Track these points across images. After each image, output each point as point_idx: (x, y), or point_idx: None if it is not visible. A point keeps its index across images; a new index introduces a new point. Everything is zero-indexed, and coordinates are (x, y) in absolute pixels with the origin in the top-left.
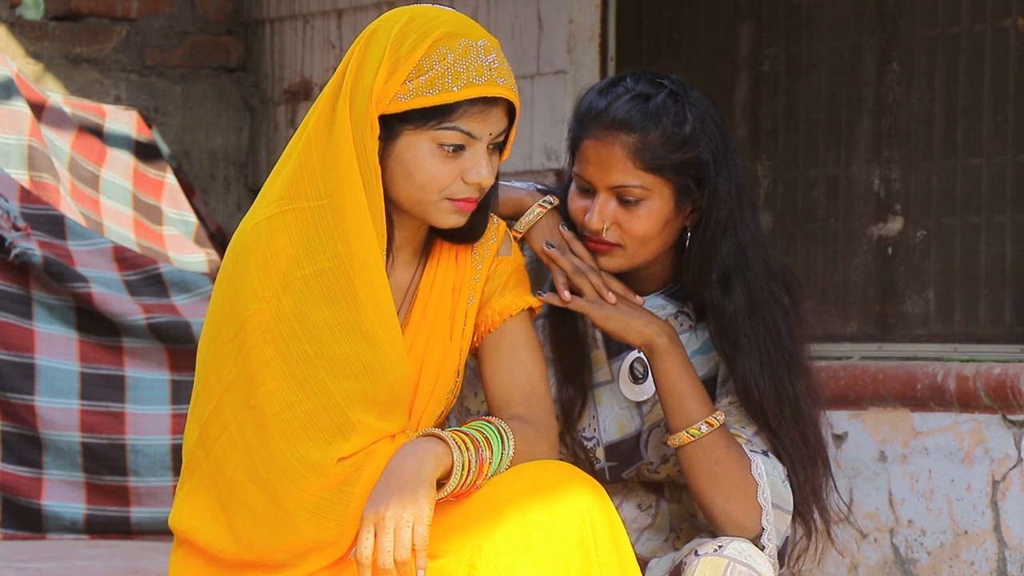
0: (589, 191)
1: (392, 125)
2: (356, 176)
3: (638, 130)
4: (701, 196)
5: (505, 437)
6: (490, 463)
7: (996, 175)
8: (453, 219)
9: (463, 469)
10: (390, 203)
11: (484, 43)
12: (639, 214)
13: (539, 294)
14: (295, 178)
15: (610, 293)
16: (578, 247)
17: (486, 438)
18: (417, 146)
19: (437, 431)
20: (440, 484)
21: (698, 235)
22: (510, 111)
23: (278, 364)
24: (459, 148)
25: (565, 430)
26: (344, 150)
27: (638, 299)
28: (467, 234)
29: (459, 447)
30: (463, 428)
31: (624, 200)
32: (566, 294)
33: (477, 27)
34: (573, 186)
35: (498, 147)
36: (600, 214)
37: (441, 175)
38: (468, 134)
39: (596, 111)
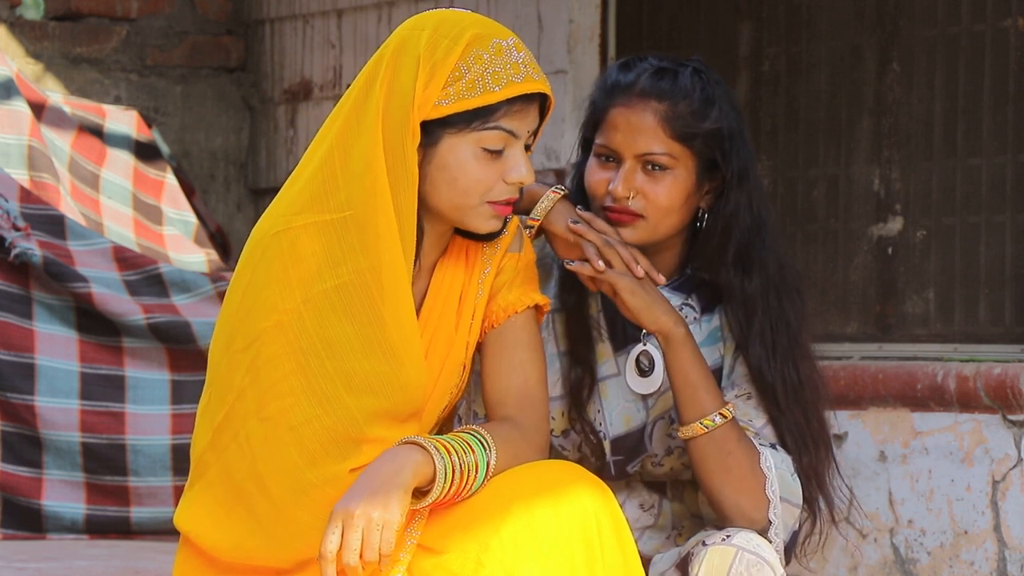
0: (612, 162)
1: (431, 131)
2: (386, 189)
3: (668, 99)
4: (726, 168)
5: (487, 446)
6: (476, 472)
7: (996, 175)
8: (492, 224)
9: (446, 476)
10: (422, 211)
11: (512, 41)
12: (664, 183)
13: (568, 264)
14: (317, 189)
15: (638, 267)
16: (601, 224)
17: (469, 446)
18: (460, 149)
19: (418, 439)
20: (425, 492)
21: (716, 211)
22: (540, 107)
23: (297, 379)
24: (500, 150)
25: (575, 414)
26: (374, 163)
27: (661, 278)
28: (489, 234)
29: (440, 454)
30: (444, 436)
31: (650, 169)
32: (600, 263)
33: (499, 25)
34: (592, 159)
35: (526, 144)
36: (626, 181)
37: (484, 177)
38: (511, 133)
39: (625, 82)
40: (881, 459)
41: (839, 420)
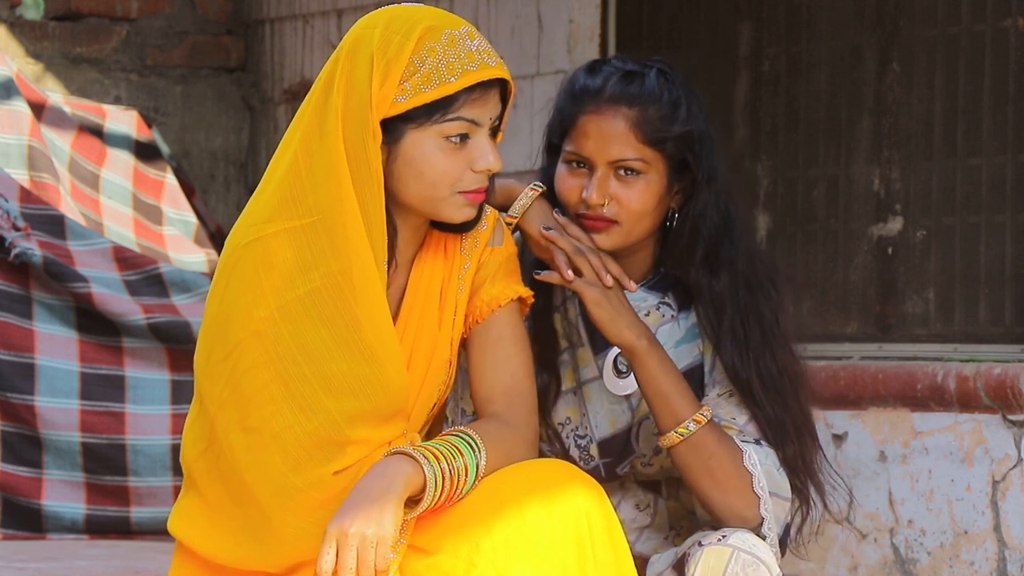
0: (583, 168)
1: (394, 128)
2: (351, 191)
3: (638, 104)
4: (697, 169)
5: (476, 447)
6: (466, 475)
7: (996, 175)
8: (465, 212)
9: (436, 483)
10: (394, 207)
11: (465, 29)
12: (637, 187)
13: (538, 273)
14: (285, 196)
15: (607, 276)
16: (574, 230)
17: (458, 450)
18: (423, 143)
19: (406, 448)
20: (416, 501)
21: (686, 211)
22: (501, 93)
23: (276, 387)
24: (464, 138)
25: (540, 417)
26: (336, 166)
27: (632, 285)
28: (465, 224)
29: (429, 461)
30: (432, 442)
31: (622, 175)
32: (568, 272)
33: (452, 16)
34: (562, 166)
35: (493, 131)
36: (600, 189)
37: (451, 168)
38: (472, 121)
39: (593, 88)
40: (881, 459)
41: (839, 420)
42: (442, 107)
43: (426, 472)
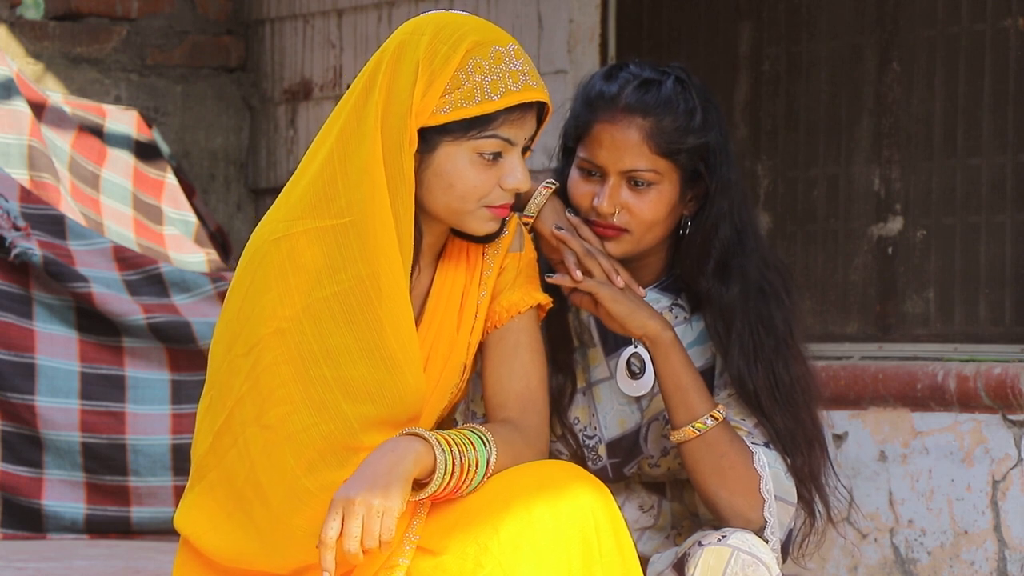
0: (595, 175)
1: (429, 137)
2: (384, 196)
3: (653, 115)
4: (710, 181)
5: (488, 444)
6: (476, 467)
7: (996, 175)
8: (489, 226)
9: (445, 468)
10: (419, 213)
11: (512, 48)
12: (649, 198)
13: (549, 276)
14: (318, 194)
15: (618, 277)
16: (586, 231)
17: (470, 442)
18: (457, 157)
19: (418, 430)
20: (424, 484)
21: (699, 221)
22: (538, 112)
23: (295, 386)
24: (497, 156)
25: (556, 417)
26: (372, 169)
27: (641, 290)
28: (487, 236)
29: (441, 446)
30: (445, 431)
31: (634, 185)
32: (577, 274)
33: (499, 30)
34: (575, 172)
35: (523, 148)
36: (611, 198)
37: (481, 183)
38: (507, 141)
39: (609, 95)
40: (881, 459)
41: (839, 420)
42: (480, 124)
43: (436, 455)
